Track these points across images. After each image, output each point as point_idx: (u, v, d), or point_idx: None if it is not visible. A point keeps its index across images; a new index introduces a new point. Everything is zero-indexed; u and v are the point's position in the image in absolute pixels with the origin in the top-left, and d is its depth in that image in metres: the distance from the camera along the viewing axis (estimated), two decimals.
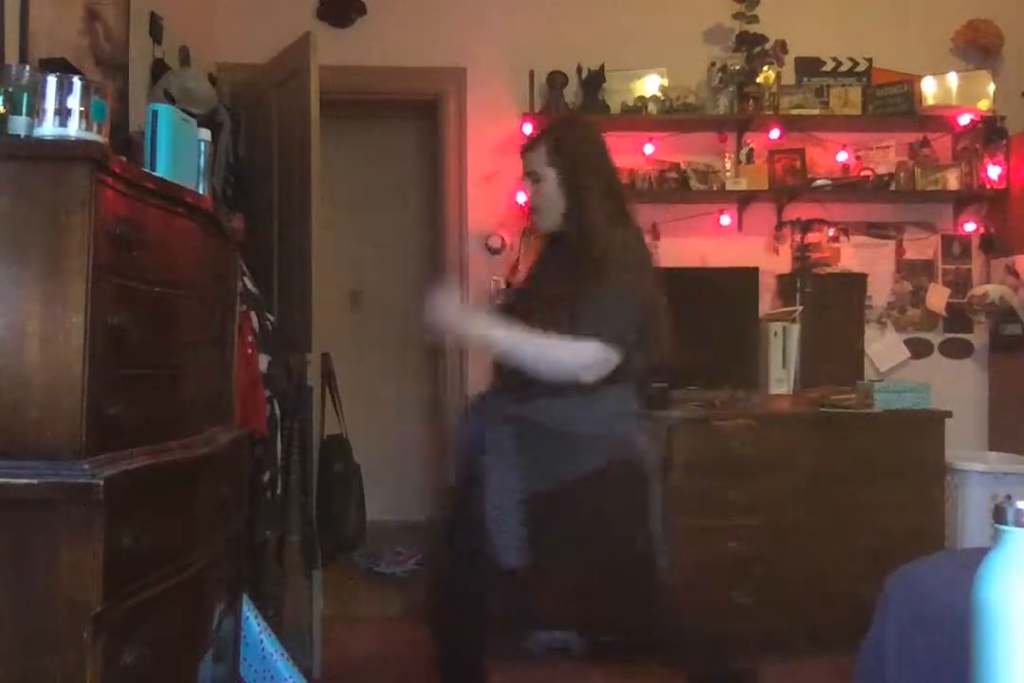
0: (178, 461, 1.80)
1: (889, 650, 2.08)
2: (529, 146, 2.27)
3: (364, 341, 5.09)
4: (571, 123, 2.53)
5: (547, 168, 2.18)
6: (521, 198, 3.91)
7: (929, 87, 3.90)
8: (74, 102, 1.56)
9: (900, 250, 4.08)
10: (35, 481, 1.46)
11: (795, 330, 3.73)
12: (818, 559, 3.36)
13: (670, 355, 2.24)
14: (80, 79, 1.58)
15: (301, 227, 3.18)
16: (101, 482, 1.47)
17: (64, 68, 2.07)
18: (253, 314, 2.81)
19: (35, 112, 1.57)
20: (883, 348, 4.02)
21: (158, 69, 3.12)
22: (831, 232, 4.01)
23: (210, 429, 2.08)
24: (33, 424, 1.50)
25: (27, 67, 1.72)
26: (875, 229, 4.08)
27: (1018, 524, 1.06)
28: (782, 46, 3.90)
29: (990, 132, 3.90)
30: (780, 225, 4.02)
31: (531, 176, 2.22)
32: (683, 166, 3.92)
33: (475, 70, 4.00)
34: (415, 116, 4.98)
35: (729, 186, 3.88)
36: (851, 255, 4.05)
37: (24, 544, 1.47)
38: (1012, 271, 3.86)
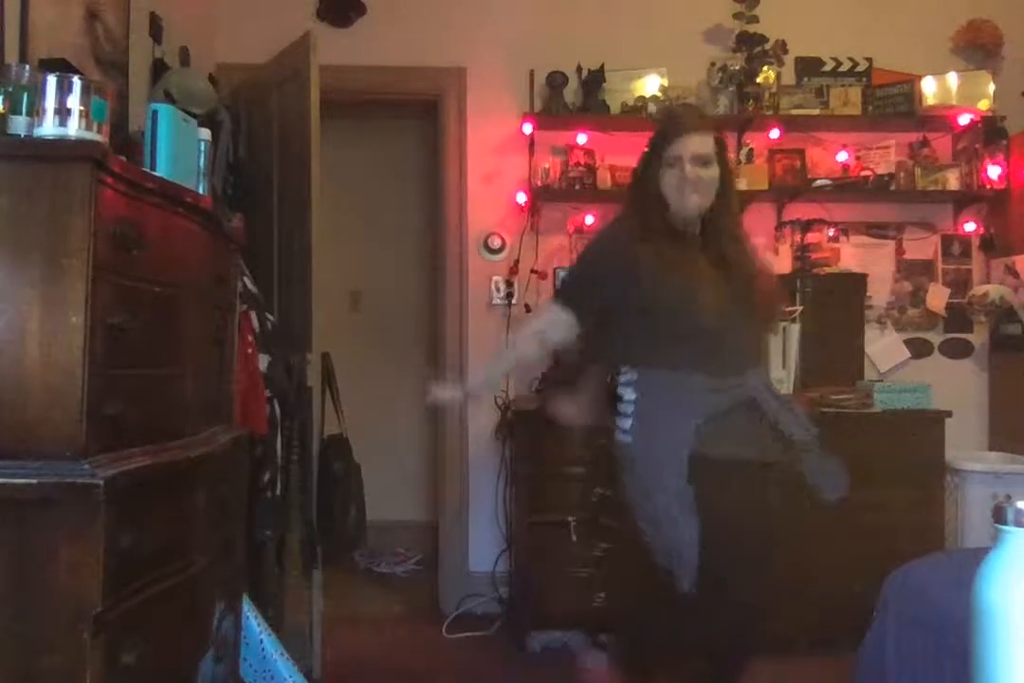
0: (178, 461, 1.80)
1: (889, 650, 2.08)
2: (695, 129, 2.33)
3: (364, 341, 5.09)
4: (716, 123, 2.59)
5: (714, 156, 2.33)
6: (522, 198, 3.92)
7: (929, 87, 3.90)
8: (74, 102, 1.56)
9: (900, 250, 4.08)
10: (35, 481, 1.46)
11: (795, 330, 3.72)
12: (818, 559, 3.35)
13: None
14: (80, 79, 1.58)
15: (301, 227, 3.18)
16: (101, 482, 1.47)
17: (64, 68, 2.06)
18: (253, 314, 2.81)
19: (35, 112, 1.57)
20: (883, 348, 4.02)
21: (158, 69, 3.12)
22: (831, 232, 4.01)
23: (210, 429, 2.08)
24: (33, 424, 1.50)
25: (27, 67, 1.72)
26: (875, 229, 4.08)
27: (1018, 524, 1.06)
28: (782, 46, 3.90)
29: (990, 132, 3.89)
30: (780, 225, 4.02)
31: (702, 159, 2.30)
32: None
33: (475, 70, 4.00)
34: (415, 116, 4.98)
35: None
36: (851, 255, 4.05)
37: (24, 544, 1.47)
38: (1012, 271, 3.86)
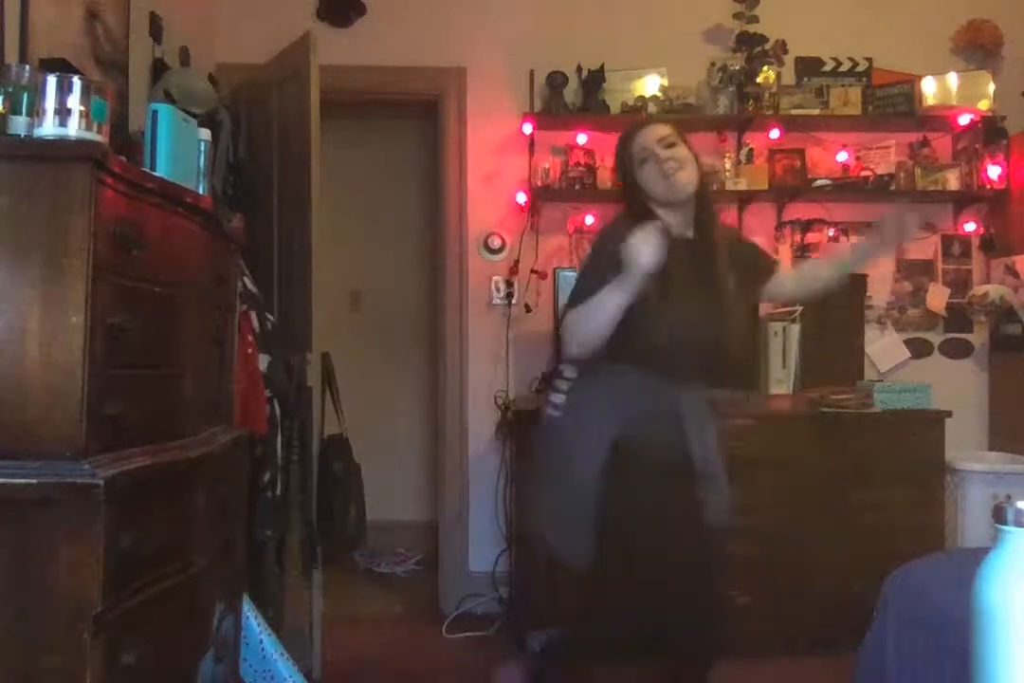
0: (178, 461, 1.80)
1: (889, 650, 2.08)
2: (651, 122, 2.46)
3: (364, 341, 5.09)
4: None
5: (680, 139, 2.38)
6: (522, 198, 3.92)
7: (929, 87, 3.90)
8: (74, 102, 1.56)
9: (900, 250, 4.08)
10: (35, 481, 1.46)
11: (795, 330, 3.73)
12: (818, 559, 3.35)
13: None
14: (80, 79, 1.58)
15: (301, 227, 3.18)
16: (101, 482, 1.47)
17: (64, 68, 2.06)
18: (253, 314, 2.81)
19: (35, 112, 1.57)
20: (883, 348, 4.02)
21: (158, 69, 3.12)
22: (831, 232, 4.01)
23: (210, 429, 2.08)
24: (33, 424, 1.50)
25: (27, 67, 1.72)
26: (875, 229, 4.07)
27: (1018, 524, 1.06)
28: (782, 46, 3.90)
29: (990, 132, 3.89)
30: (780, 225, 4.02)
31: (667, 140, 2.35)
32: None
33: (475, 70, 4.00)
34: (415, 116, 4.98)
35: (729, 186, 3.88)
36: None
37: (24, 544, 1.47)
38: (1012, 271, 3.86)
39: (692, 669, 2.39)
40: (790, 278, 2.64)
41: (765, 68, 3.87)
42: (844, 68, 4.01)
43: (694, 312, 2.28)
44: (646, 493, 2.20)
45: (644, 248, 2.08)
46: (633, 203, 2.39)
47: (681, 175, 2.32)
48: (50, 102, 1.55)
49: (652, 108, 3.84)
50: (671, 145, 2.34)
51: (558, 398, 2.36)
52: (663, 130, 2.37)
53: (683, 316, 2.26)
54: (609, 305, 2.17)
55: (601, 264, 2.27)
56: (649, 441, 2.21)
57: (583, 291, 2.26)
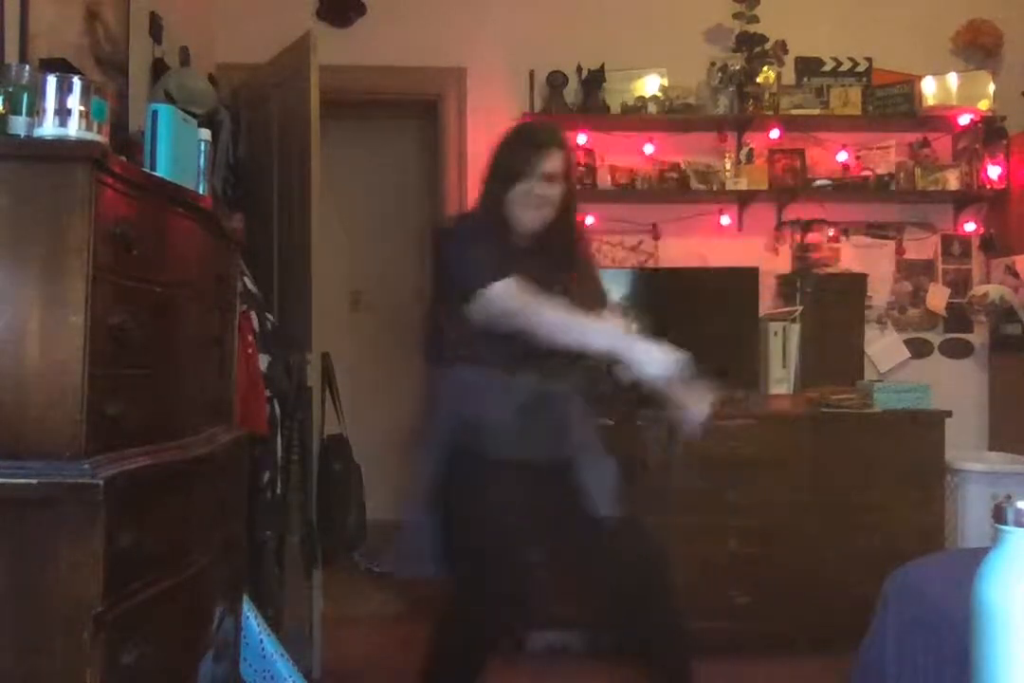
0: (178, 461, 1.80)
1: (889, 650, 2.08)
2: (561, 146, 2.32)
3: (364, 341, 5.09)
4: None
5: (563, 174, 2.31)
6: None
7: (929, 87, 3.90)
8: (74, 102, 1.55)
9: (900, 250, 4.08)
10: (35, 481, 1.46)
11: (795, 330, 3.73)
12: (818, 559, 3.36)
13: None
14: (80, 79, 1.58)
15: (301, 227, 3.18)
16: (101, 482, 1.47)
17: (64, 68, 2.07)
18: (253, 314, 2.81)
19: (35, 112, 1.57)
20: (883, 348, 4.02)
21: (158, 69, 3.12)
22: (831, 232, 4.01)
23: (210, 429, 2.08)
24: (33, 424, 1.50)
25: (27, 67, 1.71)
26: (875, 229, 4.08)
27: (1018, 524, 1.06)
28: (782, 46, 3.90)
29: (990, 132, 3.90)
30: (780, 225, 4.02)
31: (556, 178, 2.28)
32: (683, 166, 3.92)
33: (475, 70, 4.00)
34: (415, 116, 4.98)
35: (729, 186, 3.88)
36: (851, 255, 4.05)
37: (24, 544, 1.47)
38: (1012, 271, 3.86)
39: (664, 673, 2.31)
40: None
41: (765, 68, 3.88)
42: (844, 68, 4.02)
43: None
44: (498, 491, 2.15)
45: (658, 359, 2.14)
46: (491, 206, 2.31)
47: (538, 214, 2.27)
48: (50, 102, 1.55)
49: (652, 108, 3.84)
50: (553, 182, 2.27)
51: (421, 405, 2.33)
52: (556, 163, 2.27)
53: None
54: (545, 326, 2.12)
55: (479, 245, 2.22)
56: (483, 442, 2.15)
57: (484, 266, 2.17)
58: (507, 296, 2.13)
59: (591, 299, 2.33)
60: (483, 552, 2.18)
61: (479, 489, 2.16)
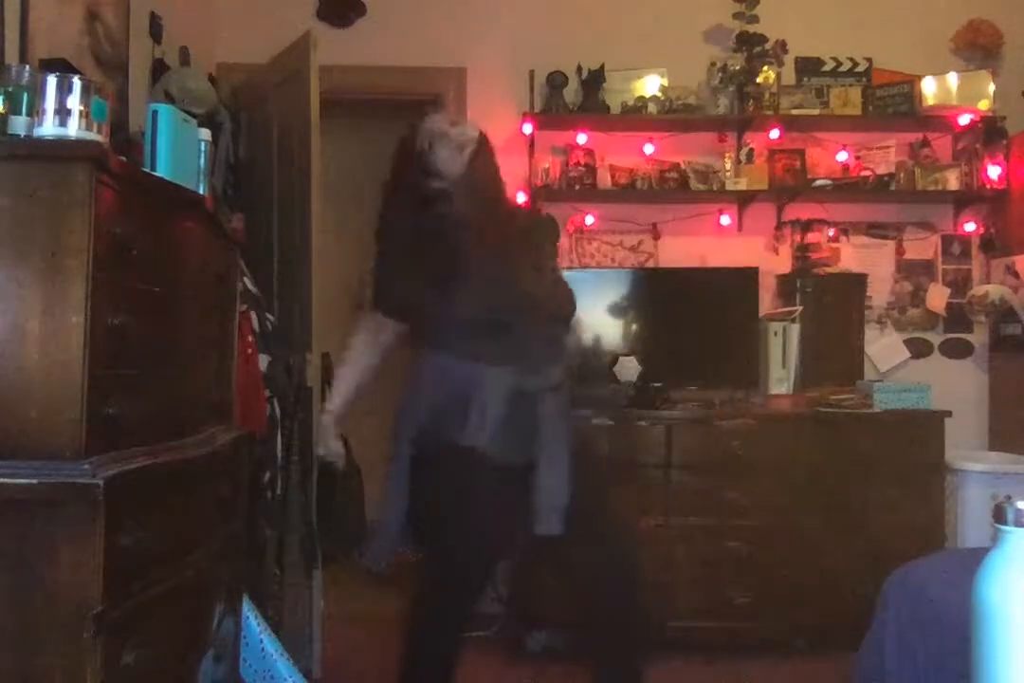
0: (178, 461, 1.80)
1: (889, 650, 2.08)
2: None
3: None
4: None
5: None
6: (522, 197, 3.92)
7: (929, 87, 3.90)
8: (74, 102, 1.55)
9: (900, 250, 4.08)
10: (35, 481, 1.46)
11: (795, 330, 3.73)
12: (818, 559, 3.36)
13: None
14: (80, 79, 1.58)
15: (301, 227, 3.18)
16: (101, 482, 1.47)
17: (64, 68, 2.06)
18: (253, 314, 2.81)
19: (35, 112, 1.57)
20: (883, 348, 4.02)
21: (158, 69, 3.12)
22: (831, 232, 4.01)
23: (210, 429, 2.08)
24: (33, 424, 1.50)
25: (27, 67, 1.72)
26: (875, 229, 4.08)
27: (1018, 524, 1.06)
28: (782, 46, 3.90)
29: (990, 132, 3.89)
30: (780, 225, 4.02)
31: (453, 118, 2.56)
32: (683, 166, 3.92)
33: (475, 70, 4.00)
34: (415, 116, 4.97)
35: (729, 186, 3.88)
36: (851, 255, 4.05)
37: (24, 544, 1.47)
38: (1012, 271, 3.86)
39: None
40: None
41: (765, 68, 3.88)
42: (844, 68, 4.01)
43: (501, 290, 2.22)
44: (452, 484, 2.18)
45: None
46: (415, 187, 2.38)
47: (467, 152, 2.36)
48: (50, 102, 1.55)
49: (652, 108, 3.84)
50: (456, 123, 2.42)
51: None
52: (446, 116, 2.39)
53: (486, 291, 2.20)
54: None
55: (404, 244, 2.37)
56: (444, 427, 2.17)
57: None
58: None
59: None
60: (446, 537, 2.21)
61: (443, 475, 2.18)
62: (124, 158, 1.68)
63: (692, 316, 3.80)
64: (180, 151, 1.93)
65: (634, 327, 3.87)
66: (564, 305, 2.35)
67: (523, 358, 2.19)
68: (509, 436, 2.15)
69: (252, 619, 2.43)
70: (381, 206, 2.51)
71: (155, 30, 3.12)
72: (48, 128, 1.56)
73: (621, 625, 2.24)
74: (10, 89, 1.61)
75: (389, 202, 2.50)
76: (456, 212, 2.30)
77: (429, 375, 2.25)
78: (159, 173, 1.84)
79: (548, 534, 2.14)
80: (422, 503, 2.21)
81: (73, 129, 1.56)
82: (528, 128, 3.86)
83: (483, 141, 2.42)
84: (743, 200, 3.97)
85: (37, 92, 1.57)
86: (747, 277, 3.85)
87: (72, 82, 1.56)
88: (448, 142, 2.38)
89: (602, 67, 3.87)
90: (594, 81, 3.88)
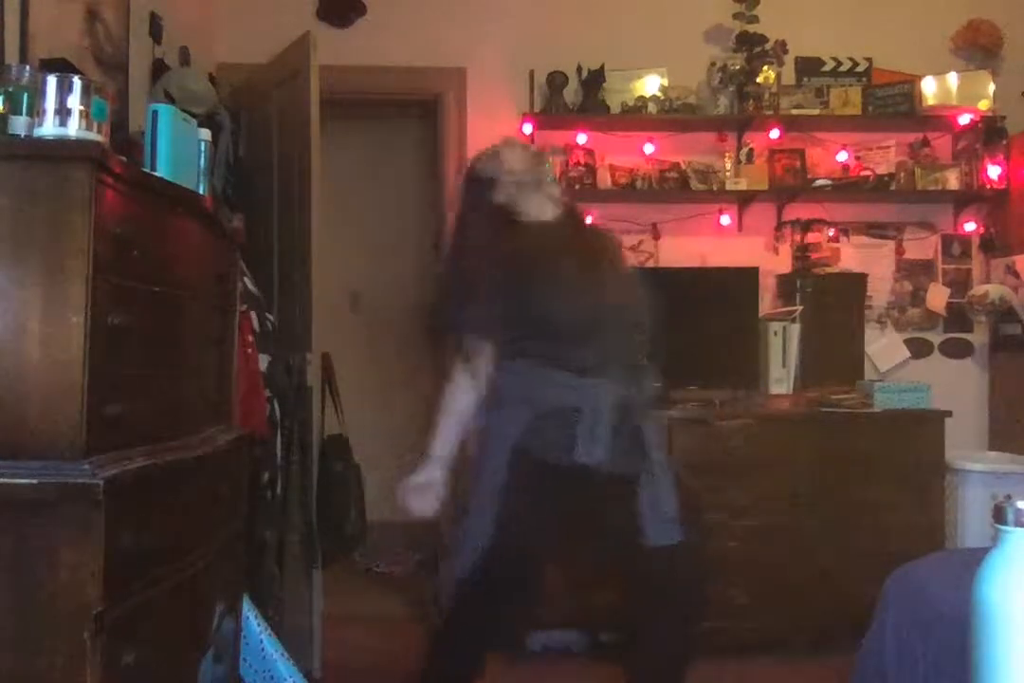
0: (178, 461, 1.80)
1: (889, 650, 2.08)
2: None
3: (364, 341, 5.09)
4: None
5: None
6: None
7: (929, 87, 3.90)
8: (74, 102, 1.55)
9: (900, 250, 4.08)
10: (35, 481, 1.46)
11: (795, 330, 3.73)
12: (818, 559, 3.36)
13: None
14: (80, 79, 1.58)
15: (301, 227, 3.18)
16: (101, 482, 1.47)
17: (64, 68, 2.07)
18: (253, 314, 2.81)
19: (35, 112, 1.57)
20: (883, 348, 4.02)
21: (158, 69, 3.12)
22: (831, 232, 4.01)
23: (210, 429, 2.08)
24: (33, 424, 1.50)
25: (27, 67, 1.72)
26: (875, 229, 4.08)
27: (1018, 524, 1.06)
28: (782, 46, 3.90)
29: (990, 132, 3.90)
30: (780, 225, 4.02)
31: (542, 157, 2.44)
32: (683, 166, 3.92)
33: (475, 70, 4.00)
34: (415, 116, 4.98)
35: (729, 186, 3.88)
36: (851, 255, 4.05)
37: (24, 544, 1.46)
38: (1012, 271, 3.86)
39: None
40: None
41: (765, 68, 3.88)
42: (844, 68, 4.02)
43: (596, 296, 2.20)
44: (553, 508, 2.11)
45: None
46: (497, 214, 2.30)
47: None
48: (50, 102, 1.55)
49: (652, 108, 3.84)
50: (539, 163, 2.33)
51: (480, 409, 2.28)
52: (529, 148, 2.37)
53: (586, 300, 2.18)
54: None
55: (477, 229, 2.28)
56: (549, 446, 2.10)
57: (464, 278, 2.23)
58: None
59: None
60: (521, 556, 2.14)
61: (534, 493, 2.11)
62: (124, 158, 1.68)
63: (692, 316, 3.79)
64: (180, 151, 1.93)
65: None
66: (647, 315, 2.29)
67: (622, 369, 2.16)
68: (619, 450, 2.11)
69: (252, 619, 2.43)
70: (458, 227, 2.40)
71: (155, 30, 3.12)
72: (48, 128, 1.56)
73: (686, 630, 2.25)
74: (10, 89, 1.61)
75: (468, 223, 2.36)
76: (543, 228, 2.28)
77: (523, 391, 2.16)
78: (159, 173, 1.84)
79: (668, 544, 2.11)
80: (525, 525, 2.11)
81: (73, 129, 1.56)
82: (528, 128, 3.86)
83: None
84: (743, 200, 3.97)
85: (37, 92, 1.57)
86: (747, 277, 3.84)
87: (72, 82, 1.56)
88: (540, 194, 2.31)
89: (602, 67, 3.87)
90: (594, 81, 3.88)
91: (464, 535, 2.19)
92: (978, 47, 4.02)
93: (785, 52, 3.92)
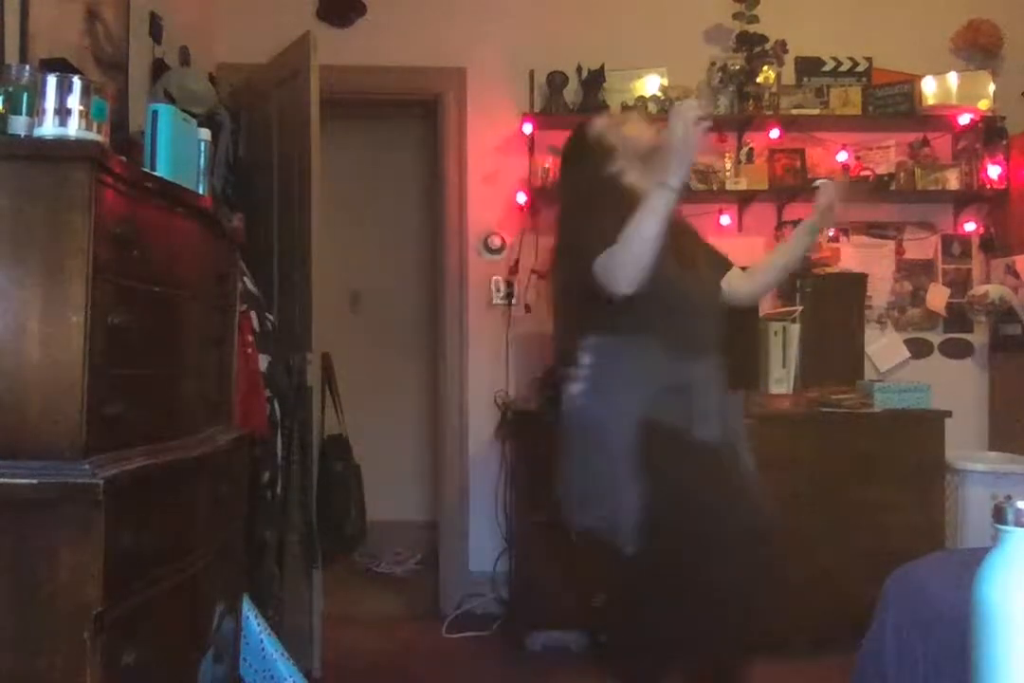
0: (178, 461, 1.80)
1: (889, 650, 2.08)
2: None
3: (364, 341, 5.09)
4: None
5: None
6: (522, 197, 3.92)
7: (929, 87, 3.90)
8: (74, 102, 1.56)
9: (900, 250, 4.08)
10: (35, 481, 1.46)
11: (795, 330, 3.72)
12: (818, 559, 3.35)
13: None
14: (80, 79, 1.58)
15: (301, 227, 3.18)
16: (101, 482, 1.47)
17: (64, 68, 2.07)
18: (253, 314, 2.81)
19: (35, 112, 1.57)
20: (883, 348, 4.02)
21: (158, 69, 3.12)
22: (831, 232, 4.01)
23: (210, 429, 2.08)
24: (33, 424, 1.50)
25: (27, 67, 1.72)
26: (875, 229, 4.08)
27: (1018, 524, 1.06)
28: (782, 46, 3.90)
29: (990, 132, 3.90)
30: (780, 225, 4.02)
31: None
32: None
33: (475, 70, 4.00)
34: (415, 116, 4.98)
35: (729, 186, 3.88)
36: (851, 255, 4.05)
37: (24, 544, 1.47)
38: (1012, 271, 3.86)
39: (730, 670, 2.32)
40: (740, 277, 2.54)
41: (765, 68, 3.88)
42: (844, 68, 4.01)
43: (697, 279, 2.28)
44: (680, 475, 2.15)
45: (690, 126, 2.06)
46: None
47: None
48: (50, 102, 1.55)
49: (652, 108, 3.84)
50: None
51: (578, 387, 2.27)
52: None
53: (695, 283, 2.25)
54: (652, 229, 2.06)
55: (602, 197, 2.27)
56: (675, 418, 2.16)
57: (603, 232, 2.14)
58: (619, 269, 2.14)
59: None
60: (681, 529, 2.12)
61: (675, 465, 2.14)
62: (124, 158, 1.68)
63: None
64: (180, 151, 1.93)
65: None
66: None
67: (714, 347, 2.25)
68: (724, 428, 2.21)
69: (252, 619, 2.43)
70: (573, 195, 2.44)
71: (155, 30, 3.13)
72: (48, 128, 1.56)
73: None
74: (10, 89, 1.61)
75: (585, 191, 2.39)
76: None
77: (639, 367, 2.20)
78: (159, 173, 1.84)
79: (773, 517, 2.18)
80: (670, 505, 2.11)
81: (73, 129, 1.56)
82: (528, 128, 3.86)
83: None
84: (743, 200, 3.97)
85: (37, 92, 1.57)
86: None
87: (72, 82, 1.57)
88: (649, 165, 2.32)
89: (602, 67, 3.87)
90: (594, 81, 3.88)
91: (614, 514, 2.17)
92: (978, 47, 4.02)
93: (785, 52, 3.91)
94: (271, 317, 2.98)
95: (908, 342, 4.05)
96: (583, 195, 2.38)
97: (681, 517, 2.12)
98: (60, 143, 1.55)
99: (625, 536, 2.14)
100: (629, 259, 2.10)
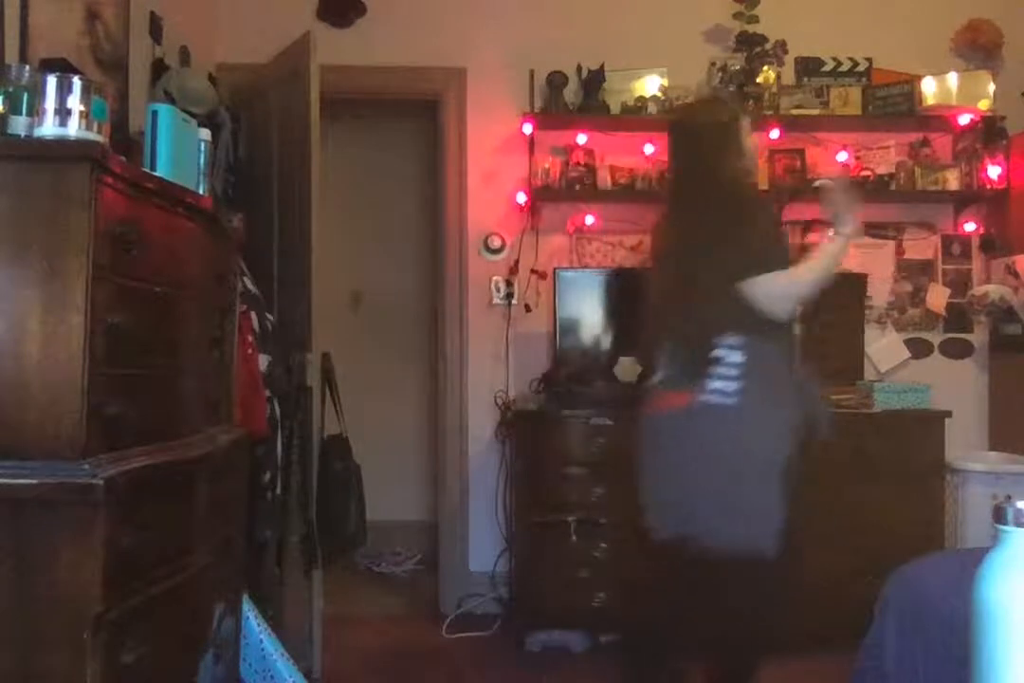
0: (178, 461, 1.80)
1: (889, 650, 2.08)
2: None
3: (364, 341, 5.09)
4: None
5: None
6: (522, 198, 3.92)
7: (929, 87, 3.90)
8: (74, 102, 1.56)
9: (900, 250, 4.08)
10: (35, 481, 1.46)
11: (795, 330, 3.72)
12: (818, 559, 3.35)
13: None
14: (80, 79, 1.59)
15: (301, 227, 3.18)
16: (101, 482, 1.47)
17: (64, 68, 2.06)
18: (253, 314, 2.81)
19: (35, 112, 1.57)
20: (883, 348, 4.02)
21: (158, 69, 3.12)
22: (831, 232, 4.00)
23: (210, 429, 2.08)
24: (33, 424, 1.50)
25: (27, 67, 1.72)
26: (875, 229, 4.08)
27: (1018, 524, 1.06)
28: (782, 46, 3.90)
29: (990, 132, 3.89)
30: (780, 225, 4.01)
31: None
32: None
33: (475, 70, 4.00)
34: (415, 116, 4.98)
35: None
36: (851, 255, 4.04)
37: (24, 544, 1.47)
38: (1012, 271, 3.86)
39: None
40: None
41: (765, 68, 3.87)
42: (844, 68, 4.01)
43: None
44: (800, 481, 2.26)
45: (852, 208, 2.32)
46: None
47: None
48: (50, 102, 1.55)
49: (652, 108, 3.84)
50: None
51: (728, 385, 2.27)
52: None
53: None
54: (826, 273, 2.37)
55: (767, 225, 2.49)
56: (811, 422, 2.28)
57: (769, 255, 2.35)
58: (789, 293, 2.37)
59: None
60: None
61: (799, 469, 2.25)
62: (124, 158, 1.68)
63: None
64: (180, 151, 1.93)
65: (634, 327, 3.86)
66: None
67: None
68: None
69: (252, 619, 2.43)
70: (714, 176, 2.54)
71: (155, 30, 3.13)
72: (48, 128, 1.56)
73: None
74: (10, 89, 1.61)
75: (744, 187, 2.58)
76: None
77: (778, 368, 2.33)
78: (159, 173, 1.84)
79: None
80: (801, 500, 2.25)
81: (73, 129, 1.56)
82: (528, 128, 3.86)
83: None
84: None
85: (37, 92, 1.57)
86: None
87: (72, 82, 1.57)
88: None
89: (602, 67, 3.87)
90: (594, 81, 3.88)
91: (749, 511, 2.24)
92: (978, 47, 4.02)
93: (785, 52, 3.91)
94: (271, 317, 2.98)
95: (908, 342, 4.05)
96: (726, 189, 2.49)
97: (796, 521, 2.25)
98: (60, 143, 1.55)
99: (766, 541, 2.19)
100: (797, 296, 2.33)
